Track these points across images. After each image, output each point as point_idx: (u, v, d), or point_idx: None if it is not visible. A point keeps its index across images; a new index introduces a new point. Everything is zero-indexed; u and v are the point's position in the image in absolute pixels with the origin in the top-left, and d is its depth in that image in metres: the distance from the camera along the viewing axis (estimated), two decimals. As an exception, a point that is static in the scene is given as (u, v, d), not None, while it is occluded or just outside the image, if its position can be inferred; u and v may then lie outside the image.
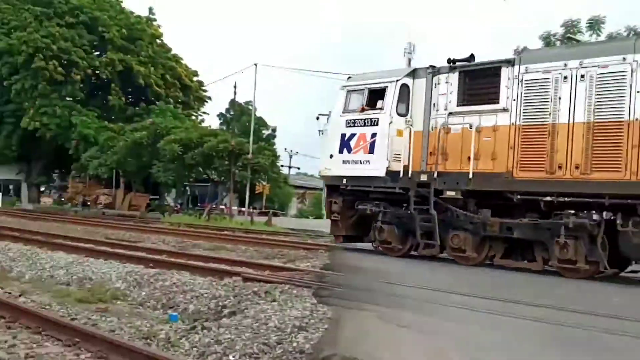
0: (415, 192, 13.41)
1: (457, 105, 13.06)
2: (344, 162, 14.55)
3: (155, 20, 50.31)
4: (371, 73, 15.30)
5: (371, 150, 14.07)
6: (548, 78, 11.81)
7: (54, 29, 43.05)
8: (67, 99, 44.84)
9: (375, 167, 13.92)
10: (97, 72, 45.72)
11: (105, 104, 46.35)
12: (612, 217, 11.04)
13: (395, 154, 13.77)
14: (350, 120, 14.52)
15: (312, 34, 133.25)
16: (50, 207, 41.65)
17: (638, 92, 10.70)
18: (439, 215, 13.05)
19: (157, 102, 45.54)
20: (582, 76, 11.37)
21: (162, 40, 50.09)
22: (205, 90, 51.98)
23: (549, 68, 11.84)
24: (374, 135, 14.02)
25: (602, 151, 11.06)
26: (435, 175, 13.12)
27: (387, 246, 14.36)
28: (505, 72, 12.42)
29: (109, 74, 44.82)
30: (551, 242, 11.63)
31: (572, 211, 11.39)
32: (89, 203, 39.85)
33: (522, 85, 12.13)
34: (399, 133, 13.79)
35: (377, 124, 13.99)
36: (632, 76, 10.81)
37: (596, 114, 11.18)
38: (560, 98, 11.58)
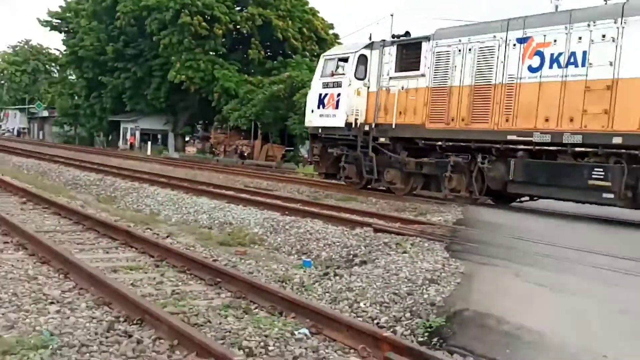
0: (362, 139, 17.08)
1: (395, 72, 16.38)
2: (320, 115, 18.30)
3: (293, -27, 50.61)
4: (343, 46, 20.15)
5: (337, 106, 17.64)
6: (449, 51, 15.00)
7: (199, -16, 44.63)
8: (210, 53, 46.72)
9: (339, 119, 17.51)
10: (237, 27, 47.07)
11: (245, 57, 47.72)
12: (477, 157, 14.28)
13: (351, 109, 17.19)
14: (324, 82, 18.20)
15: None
16: (194, 156, 44.11)
17: (501, 62, 13.81)
18: (377, 157, 16.84)
19: (293, 56, 46.24)
20: (470, 49, 14.53)
21: (299, -7, 50.40)
22: (340, 43, 51.94)
23: (450, 43, 14.99)
24: (338, 95, 17.57)
25: (478, 107, 14.28)
26: (374, 125, 16.81)
27: (350, 180, 18.08)
28: (424, 46, 15.59)
29: (249, 29, 45.99)
30: (443, 176, 15.12)
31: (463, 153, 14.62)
32: (246, 154, 41.20)
33: (434, 56, 15.33)
34: (357, 93, 17.18)
35: (340, 86, 17.51)
36: (498, 50, 13.92)
37: (476, 79, 14.38)
38: (455, 66, 14.81)
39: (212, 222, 11.72)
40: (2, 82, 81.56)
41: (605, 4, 12.92)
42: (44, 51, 78.99)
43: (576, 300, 5.92)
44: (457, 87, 14.70)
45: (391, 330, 5.55)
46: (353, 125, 17.14)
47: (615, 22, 11.96)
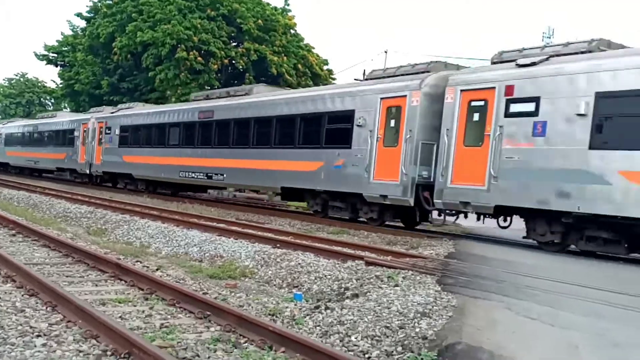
0: None
1: None
2: None
3: (289, 11, 51.39)
4: None
5: None
6: None
7: (196, 21, 45.21)
8: (206, 87, 47.02)
9: None
10: (233, 61, 47.51)
11: (240, 91, 48.15)
12: None
13: None
14: None
15: (439, 20, 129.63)
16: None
17: None
18: None
19: (287, 90, 46.70)
20: None
21: (295, 30, 51.08)
22: (334, 79, 52.50)
23: None
24: None
25: None
26: None
27: None
28: None
29: (244, 64, 46.44)
30: None
31: None
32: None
33: None
34: None
35: None
36: None
37: None
38: None
39: (203, 255, 11.64)
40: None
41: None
42: (39, 84, 79.27)
43: (569, 334, 5.88)
44: None
45: (382, 364, 5.48)
46: None
47: None
